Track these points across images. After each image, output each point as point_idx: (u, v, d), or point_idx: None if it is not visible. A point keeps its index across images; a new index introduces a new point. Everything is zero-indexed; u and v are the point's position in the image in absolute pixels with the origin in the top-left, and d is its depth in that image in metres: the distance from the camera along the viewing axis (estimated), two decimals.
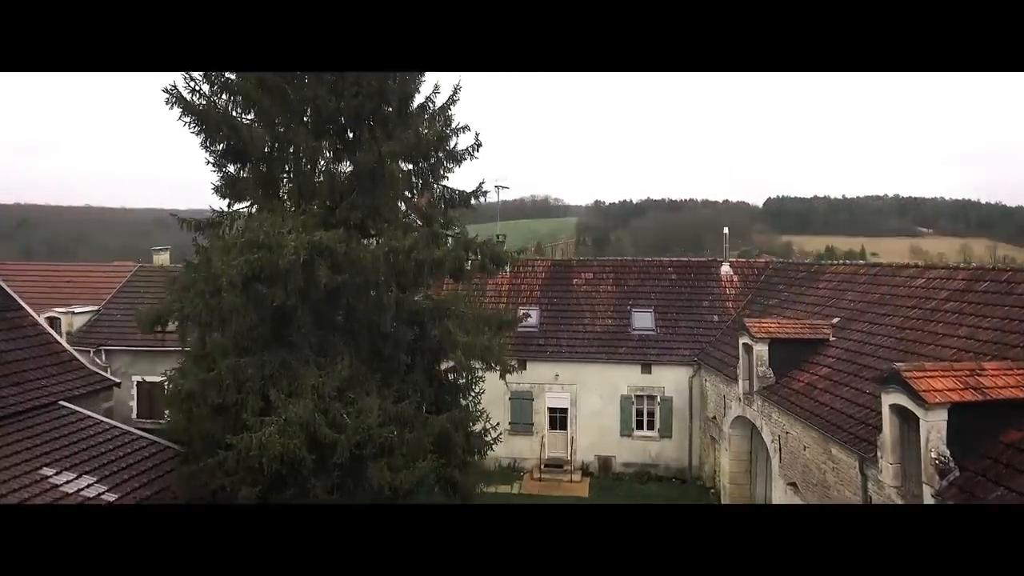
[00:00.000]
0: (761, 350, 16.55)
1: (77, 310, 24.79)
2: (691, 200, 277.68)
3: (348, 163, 13.81)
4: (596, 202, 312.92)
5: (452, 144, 14.17)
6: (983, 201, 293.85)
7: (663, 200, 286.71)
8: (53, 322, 24.40)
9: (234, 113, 13.64)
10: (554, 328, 22.87)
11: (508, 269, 24.94)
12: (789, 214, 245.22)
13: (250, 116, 13.69)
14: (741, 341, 17.45)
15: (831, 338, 16.36)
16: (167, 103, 13.14)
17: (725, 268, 24.20)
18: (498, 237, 26.29)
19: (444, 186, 14.48)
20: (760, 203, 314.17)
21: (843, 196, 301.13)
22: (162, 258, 29.14)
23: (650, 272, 24.71)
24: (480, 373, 14.64)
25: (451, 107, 14.65)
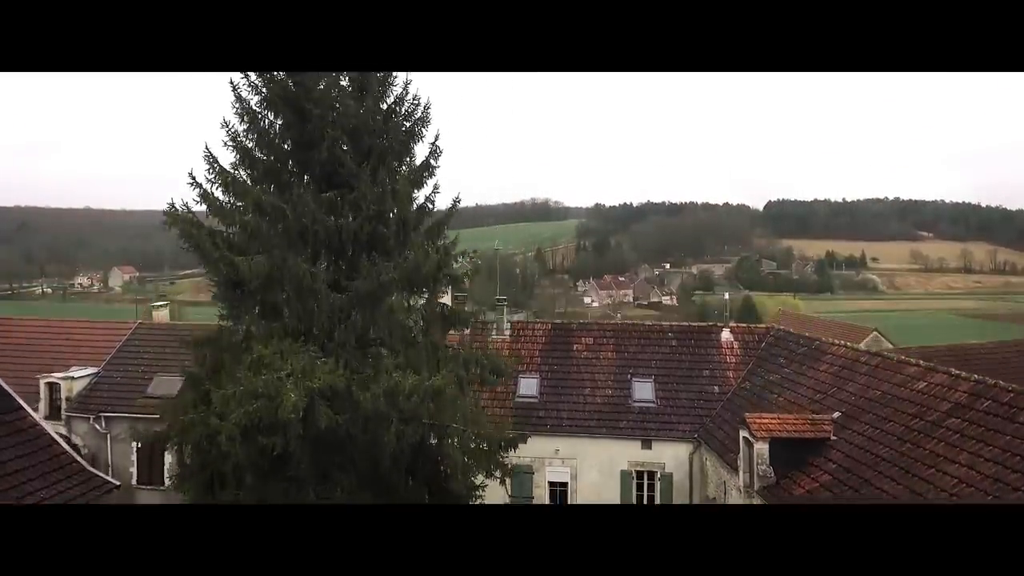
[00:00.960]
0: (761, 448, 16.52)
1: (76, 374, 24.73)
2: (691, 203, 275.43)
3: (348, 283, 13.81)
4: (597, 204, 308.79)
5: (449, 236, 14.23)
6: (983, 204, 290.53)
7: (663, 203, 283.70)
8: (52, 388, 24.43)
9: (231, 232, 13.65)
10: (554, 399, 22.84)
11: (508, 333, 24.90)
12: (789, 218, 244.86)
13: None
14: (742, 434, 17.42)
15: (832, 437, 16.34)
16: (165, 224, 13.14)
17: (725, 334, 24.16)
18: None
19: (444, 304, 14.50)
20: (760, 206, 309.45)
21: (843, 199, 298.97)
22: (161, 314, 29.02)
23: (651, 338, 24.66)
24: (480, 490, 14.62)
25: (450, 219, 14.67)
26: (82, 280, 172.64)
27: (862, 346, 51.04)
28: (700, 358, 23.71)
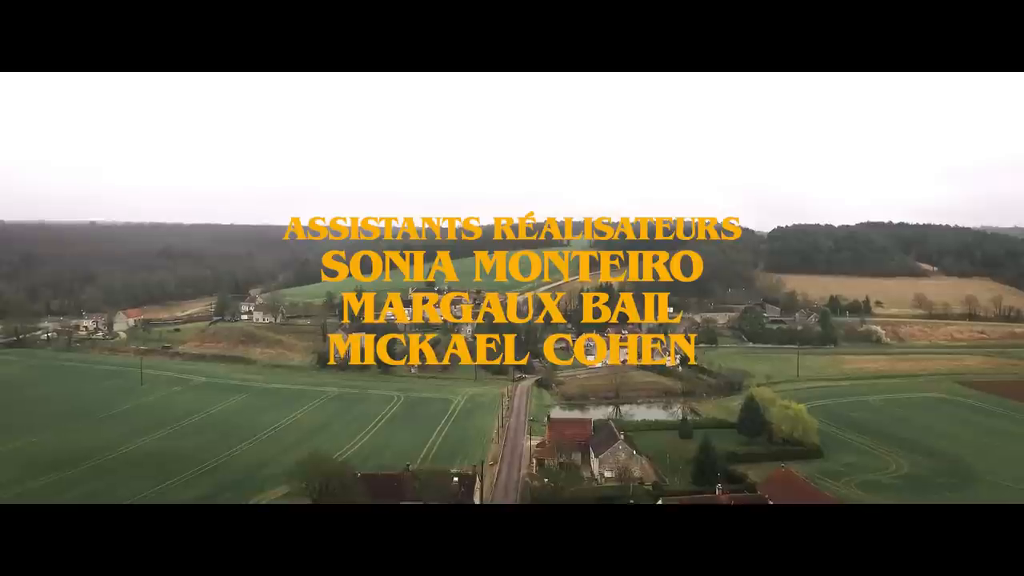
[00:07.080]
0: None
1: None
2: (693, 226, 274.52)
3: None
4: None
5: None
6: (988, 230, 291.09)
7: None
8: None
9: None
10: None
11: None
12: (792, 253, 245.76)
13: None
14: None
15: None
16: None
17: None
18: None
19: None
20: (764, 229, 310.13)
21: (847, 225, 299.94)
22: None
23: None
24: None
25: None
26: (87, 324, 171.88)
27: None
28: None
